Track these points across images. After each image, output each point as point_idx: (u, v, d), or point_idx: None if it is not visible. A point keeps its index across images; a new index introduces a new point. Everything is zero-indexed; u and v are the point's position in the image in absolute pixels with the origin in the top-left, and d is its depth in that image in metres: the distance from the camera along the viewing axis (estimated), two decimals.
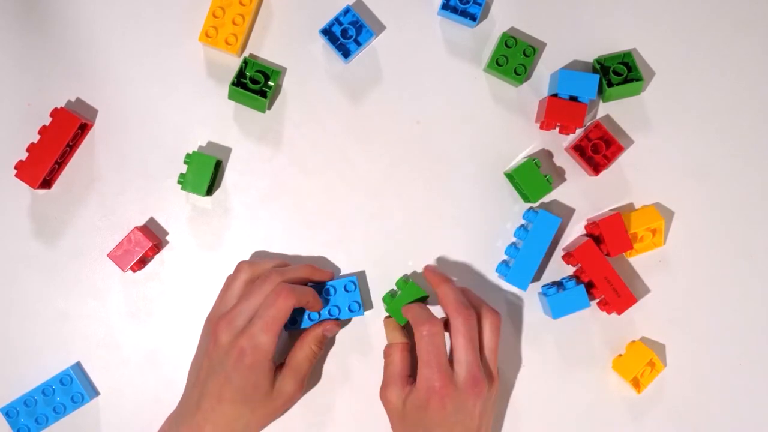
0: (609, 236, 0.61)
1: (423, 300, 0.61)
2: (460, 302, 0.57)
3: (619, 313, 0.62)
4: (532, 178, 0.61)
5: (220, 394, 0.55)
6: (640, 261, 0.64)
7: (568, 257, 0.63)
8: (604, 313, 0.63)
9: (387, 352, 0.60)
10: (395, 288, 0.62)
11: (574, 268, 0.64)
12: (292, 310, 0.56)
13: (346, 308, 0.61)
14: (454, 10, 0.64)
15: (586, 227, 0.64)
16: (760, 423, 0.64)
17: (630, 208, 0.65)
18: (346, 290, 0.62)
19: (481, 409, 0.56)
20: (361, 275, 0.64)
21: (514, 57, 0.63)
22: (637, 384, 0.63)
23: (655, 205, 0.65)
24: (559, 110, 0.62)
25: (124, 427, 0.64)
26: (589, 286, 0.62)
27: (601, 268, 0.61)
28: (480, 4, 0.64)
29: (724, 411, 0.64)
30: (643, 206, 0.64)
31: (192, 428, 0.56)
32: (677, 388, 0.64)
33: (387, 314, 0.63)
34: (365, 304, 0.64)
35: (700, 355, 0.64)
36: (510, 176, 0.64)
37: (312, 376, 0.64)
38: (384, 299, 0.62)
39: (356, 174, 0.65)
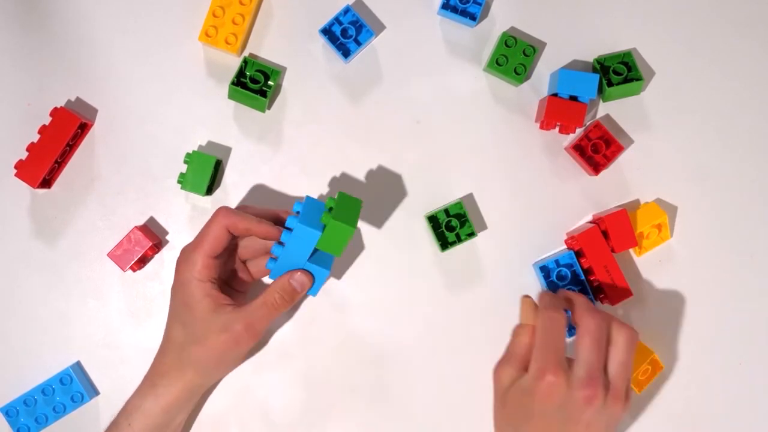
0: (614, 232, 0.61)
1: (357, 205, 0.55)
2: (594, 308, 0.55)
3: (613, 304, 0.62)
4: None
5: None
6: (640, 260, 0.64)
7: (571, 240, 0.63)
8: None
9: (517, 331, 0.57)
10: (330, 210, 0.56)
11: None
12: (227, 232, 0.56)
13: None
14: (454, 10, 0.64)
15: (593, 222, 0.64)
16: (760, 423, 0.64)
17: (631, 206, 0.64)
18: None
19: (590, 420, 0.52)
20: None
21: (514, 57, 0.63)
22: (637, 384, 0.63)
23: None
24: (559, 110, 0.62)
25: None
26: (588, 273, 0.62)
27: (602, 256, 0.61)
28: (480, 4, 0.64)
29: (724, 411, 0.64)
30: (644, 204, 0.64)
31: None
32: (677, 388, 0.64)
33: (523, 295, 0.59)
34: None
35: (700, 355, 0.64)
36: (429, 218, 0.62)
37: (313, 376, 0.64)
38: (322, 219, 0.55)
39: (356, 174, 0.65)
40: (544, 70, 0.66)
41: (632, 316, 0.64)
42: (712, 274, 0.65)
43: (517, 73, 0.63)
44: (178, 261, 0.57)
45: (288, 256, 0.56)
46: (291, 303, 0.57)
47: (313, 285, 0.57)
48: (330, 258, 0.58)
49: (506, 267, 0.64)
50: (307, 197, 0.56)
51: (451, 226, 0.62)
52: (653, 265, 0.65)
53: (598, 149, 0.63)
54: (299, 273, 0.56)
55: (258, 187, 0.65)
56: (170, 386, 0.57)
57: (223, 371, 0.61)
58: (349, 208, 0.55)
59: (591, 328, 0.53)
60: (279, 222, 0.58)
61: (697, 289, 0.65)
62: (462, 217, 0.62)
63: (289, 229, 0.55)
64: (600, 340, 0.53)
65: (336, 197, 0.55)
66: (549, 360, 0.52)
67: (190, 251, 0.57)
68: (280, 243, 0.55)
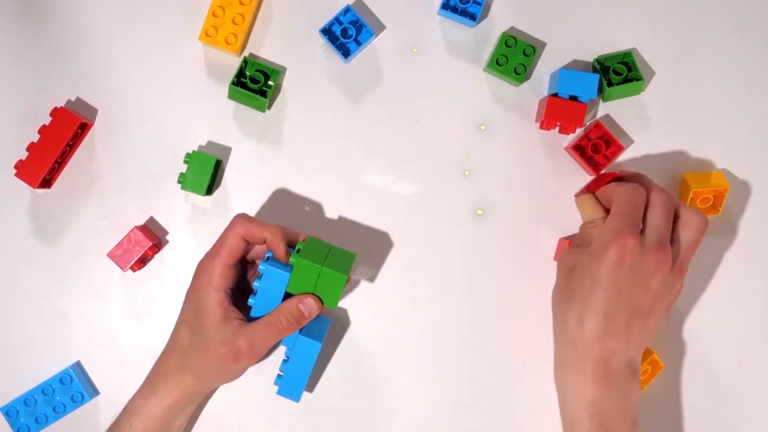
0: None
1: (324, 250, 0.56)
2: (666, 190, 0.57)
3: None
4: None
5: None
6: None
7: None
8: None
9: (585, 225, 0.58)
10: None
11: None
12: (243, 241, 0.56)
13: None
14: (454, 10, 0.64)
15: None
16: (760, 423, 0.64)
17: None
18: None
19: (658, 287, 0.54)
20: None
21: (514, 57, 0.63)
22: None
23: None
24: (559, 110, 0.62)
25: None
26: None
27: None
28: (480, 4, 0.64)
29: (724, 411, 0.64)
30: (710, 171, 0.64)
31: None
32: (677, 388, 0.64)
33: (578, 193, 0.60)
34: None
35: (700, 355, 0.64)
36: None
37: (313, 376, 0.64)
38: (291, 260, 0.55)
39: (356, 174, 0.65)
40: (544, 70, 0.65)
41: None
42: (712, 274, 0.65)
43: (517, 73, 0.63)
44: (196, 269, 0.57)
45: (263, 299, 0.56)
46: (297, 327, 0.56)
47: (304, 360, 0.57)
48: (324, 327, 0.58)
49: (505, 268, 0.64)
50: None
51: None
52: None
53: (598, 149, 0.63)
54: (309, 298, 0.56)
55: (258, 187, 0.65)
56: (171, 389, 0.57)
57: (221, 381, 0.61)
58: (318, 250, 0.56)
59: (662, 200, 0.55)
60: (291, 243, 0.58)
61: (697, 289, 0.65)
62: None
63: (259, 275, 0.56)
64: (670, 213, 0.55)
65: (305, 240, 0.56)
66: (625, 223, 0.53)
67: (208, 260, 0.57)
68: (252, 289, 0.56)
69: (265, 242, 0.57)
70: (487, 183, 0.65)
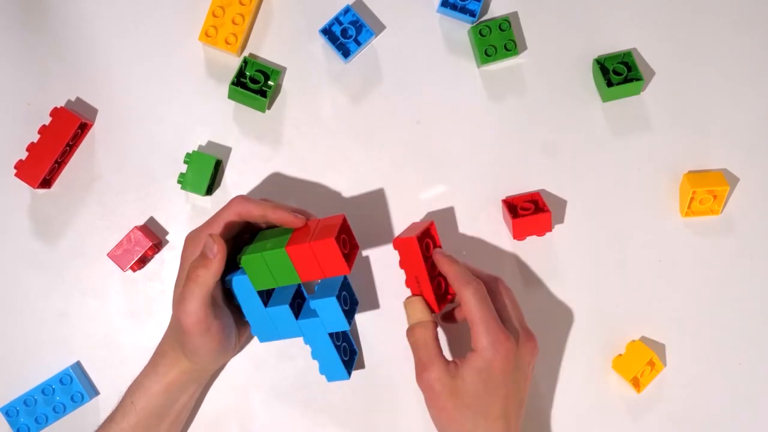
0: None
1: (269, 235, 0.56)
2: (480, 273, 0.57)
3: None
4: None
5: None
6: (639, 259, 0.64)
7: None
8: (604, 312, 0.63)
9: (416, 333, 0.56)
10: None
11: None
12: (238, 218, 0.55)
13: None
14: (454, 7, 0.64)
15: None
16: (760, 423, 0.64)
17: (631, 205, 0.65)
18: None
19: (533, 370, 0.56)
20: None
21: (495, 39, 0.63)
22: (637, 384, 0.63)
23: None
24: (525, 226, 0.62)
25: None
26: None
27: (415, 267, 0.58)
28: (479, 0, 0.64)
29: (724, 411, 0.64)
30: (710, 171, 0.64)
31: None
32: (677, 388, 0.64)
33: (408, 296, 0.58)
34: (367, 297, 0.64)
35: (700, 355, 0.64)
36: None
37: (313, 376, 0.64)
38: (240, 264, 0.55)
39: (356, 174, 0.65)
40: (544, 70, 0.65)
41: (632, 316, 0.64)
42: (712, 274, 0.65)
43: (507, 50, 0.63)
44: (185, 241, 0.57)
45: (249, 311, 0.57)
46: (209, 267, 0.53)
47: (333, 319, 0.56)
48: (336, 283, 0.57)
49: (507, 267, 0.64)
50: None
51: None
52: (653, 265, 0.65)
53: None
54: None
55: (258, 187, 0.65)
56: (169, 366, 0.57)
57: (206, 358, 0.57)
58: (260, 245, 0.55)
59: (502, 287, 0.57)
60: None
61: (697, 289, 0.65)
62: None
63: (233, 294, 0.57)
64: (513, 297, 0.58)
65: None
66: (497, 332, 0.53)
67: (197, 231, 0.57)
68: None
69: (263, 219, 0.56)
70: (488, 183, 0.65)
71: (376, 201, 0.65)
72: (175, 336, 0.57)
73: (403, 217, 0.65)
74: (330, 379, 0.59)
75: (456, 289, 0.55)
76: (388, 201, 0.65)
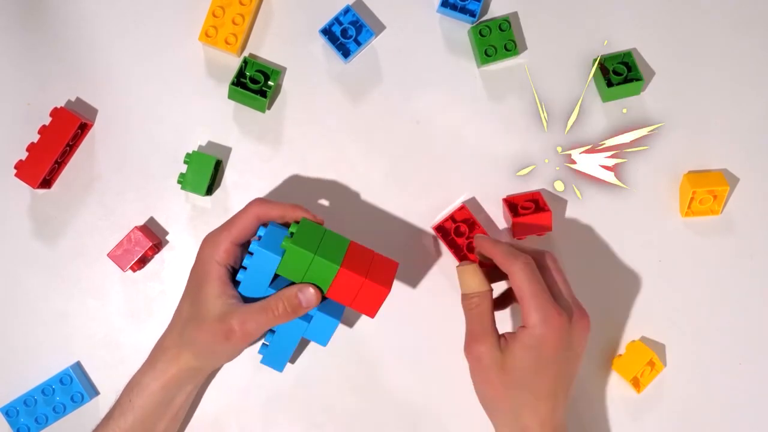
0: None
1: (318, 234, 0.55)
2: (526, 249, 0.56)
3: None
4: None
5: None
6: (639, 260, 0.64)
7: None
8: (604, 312, 0.63)
9: (474, 303, 0.55)
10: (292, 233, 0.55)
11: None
12: (256, 221, 0.56)
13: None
14: (454, 7, 0.64)
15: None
16: (760, 423, 0.64)
17: (631, 205, 0.65)
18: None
19: (585, 348, 0.55)
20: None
21: (495, 39, 0.63)
22: (637, 384, 0.63)
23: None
24: (525, 226, 0.62)
25: None
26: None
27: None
28: (479, 0, 0.64)
29: (724, 411, 0.64)
30: (710, 171, 0.64)
31: None
32: (677, 388, 0.64)
33: (461, 263, 0.57)
34: None
35: (700, 355, 0.64)
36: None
37: (313, 376, 0.64)
38: (283, 245, 0.54)
39: (356, 174, 0.65)
40: (545, 70, 0.65)
41: (632, 316, 0.64)
42: (711, 274, 0.65)
43: (508, 50, 0.63)
44: (203, 241, 0.57)
45: (251, 280, 0.56)
46: (293, 316, 0.55)
47: (322, 334, 0.56)
48: (341, 308, 0.57)
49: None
50: (271, 223, 0.56)
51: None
52: (653, 265, 0.65)
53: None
54: (310, 288, 0.54)
55: (258, 187, 0.65)
56: (169, 362, 0.57)
57: (216, 358, 0.59)
58: (312, 235, 0.55)
59: (551, 262, 0.55)
60: (286, 224, 0.58)
61: (697, 289, 0.65)
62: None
63: (250, 253, 0.55)
64: (562, 271, 0.56)
65: (299, 222, 0.55)
66: (549, 307, 0.52)
67: (217, 233, 0.57)
68: (243, 267, 0.56)
69: (282, 220, 0.57)
70: (488, 184, 0.65)
71: (375, 201, 0.65)
72: (202, 337, 0.55)
73: (402, 217, 0.65)
74: (266, 363, 0.58)
75: (504, 268, 0.54)
76: (387, 201, 0.65)
